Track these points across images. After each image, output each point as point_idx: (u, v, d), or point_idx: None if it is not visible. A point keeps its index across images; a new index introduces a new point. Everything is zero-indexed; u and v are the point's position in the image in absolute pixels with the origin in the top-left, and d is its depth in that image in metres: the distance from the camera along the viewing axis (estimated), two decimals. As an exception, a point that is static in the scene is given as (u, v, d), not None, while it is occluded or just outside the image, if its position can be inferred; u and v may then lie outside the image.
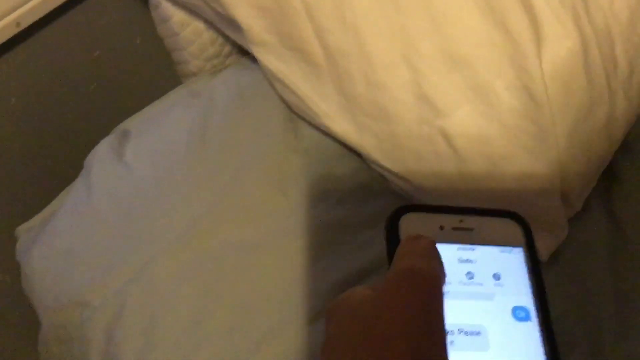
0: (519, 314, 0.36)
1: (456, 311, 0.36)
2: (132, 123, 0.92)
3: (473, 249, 0.37)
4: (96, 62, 1.05)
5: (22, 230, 0.92)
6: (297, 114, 0.81)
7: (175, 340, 0.71)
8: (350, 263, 0.73)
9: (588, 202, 0.73)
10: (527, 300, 0.37)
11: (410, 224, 0.37)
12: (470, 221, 0.38)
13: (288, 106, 0.82)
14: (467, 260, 0.37)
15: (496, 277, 0.37)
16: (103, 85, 1.05)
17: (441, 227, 0.38)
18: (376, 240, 0.74)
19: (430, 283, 0.33)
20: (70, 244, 0.82)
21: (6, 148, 0.99)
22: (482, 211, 0.39)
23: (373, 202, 0.78)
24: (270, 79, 0.79)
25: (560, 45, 0.64)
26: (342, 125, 0.73)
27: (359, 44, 0.68)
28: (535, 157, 0.66)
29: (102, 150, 0.89)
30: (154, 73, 1.10)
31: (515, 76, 0.65)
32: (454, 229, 0.38)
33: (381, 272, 0.72)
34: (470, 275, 0.37)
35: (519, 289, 0.37)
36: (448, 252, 0.37)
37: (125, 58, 1.10)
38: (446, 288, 0.36)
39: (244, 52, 0.95)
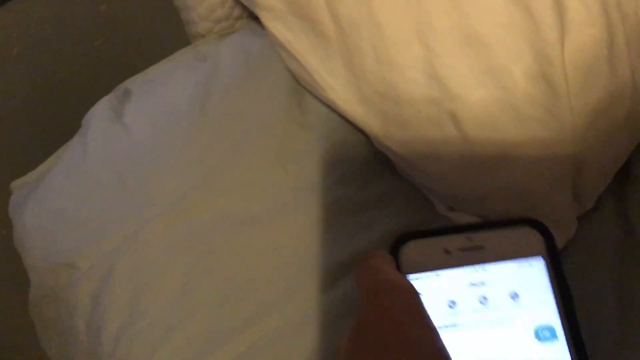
0: (543, 334, 0.33)
1: (471, 344, 0.33)
2: (135, 83, 0.89)
3: (485, 269, 0.34)
4: (103, 16, 1.02)
5: (17, 185, 0.90)
6: (303, 87, 0.78)
7: (162, 310, 0.70)
8: (349, 245, 0.71)
9: (600, 201, 0.70)
10: (552, 317, 0.33)
11: (411, 253, 0.35)
12: (479, 238, 0.35)
13: (295, 78, 0.78)
14: (480, 283, 0.34)
15: (514, 296, 0.34)
16: (109, 41, 1.02)
17: (447, 251, 0.34)
18: (377, 223, 0.71)
19: (401, 290, 0.30)
20: (62, 204, 0.80)
21: (6, 99, 0.97)
22: (491, 224, 0.35)
23: (377, 183, 0.75)
24: (277, 48, 0.75)
25: (584, 32, 0.60)
26: (347, 101, 0.70)
27: (371, 17, 0.64)
28: (548, 149, 0.63)
29: (101, 109, 0.86)
30: (162, 32, 1.07)
31: (534, 62, 0.61)
32: (462, 249, 0.34)
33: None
34: (484, 299, 0.34)
35: (541, 305, 0.33)
36: (457, 278, 0.34)
37: (133, 14, 1.06)
38: (458, 319, 0.33)
39: (254, 17, 0.92)
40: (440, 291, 0.34)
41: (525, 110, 0.62)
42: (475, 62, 0.62)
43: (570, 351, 0.32)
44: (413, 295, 0.30)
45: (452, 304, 0.34)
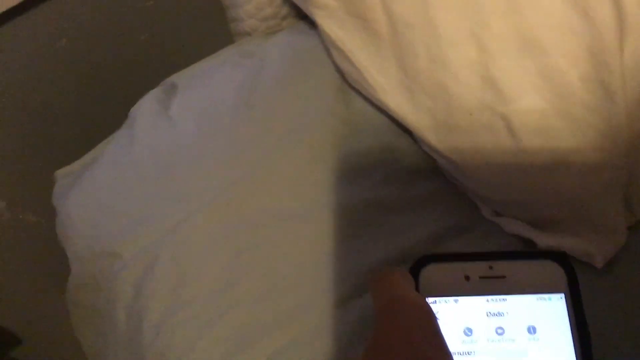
0: None
1: None
2: (181, 77, 0.90)
3: (505, 300, 0.34)
4: (149, 11, 1.03)
5: (61, 174, 0.92)
6: (350, 86, 0.78)
7: (204, 301, 0.70)
8: (389, 246, 0.70)
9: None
10: (568, 356, 0.32)
11: (431, 276, 0.34)
12: (502, 267, 0.34)
13: (342, 76, 0.78)
14: (498, 314, 0.33)
15: (531, 330, 0.33)
16: (154, 36, 1.03)
17: (467, 277, 0.34)
18: (418, 225, 0.71)
19: (419, 309, 0.30)
20: (107, 194, 0.81)
21: (53, 89, 0.98)
22: (515, 255, 0.35)
23: (420, 184, 0.74)
24: (328, 46, 0.75)
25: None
26: (397, 102, 0.70)
27: (426, 16, 0.64)
28: (602, 156, 0.62)
29: (148, 102, 0.87)
30: (207, 29, 1.08)
31: (592, 67, 0.60)
32: (482, 277, 0.34)
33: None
34: (501, 330, 0.33)
35: (558, 343, 0.33)
36: (475, 306, 0.34)
37: (179, 10, 1.07)
38: (473, 347, 0.33)
39: (301, 16, 0.92)
40: (457, 317, 0.34)
41: (581, 116, 0.61)
42: (531, 65, 0.61)
43: None
44: (430, 316, 0.30)
45: (469, 331, 0.33)
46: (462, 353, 0.33)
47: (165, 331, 0.70)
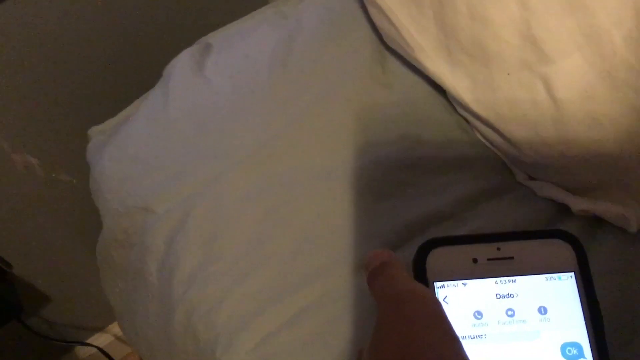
0: (569, 351, 0.32)
1: (495, 357, 0.32)
2: (216, 37, 0.90)
3: (514, 281, 0.33)
4: (185, -28, 1.04)
5: (95, 131, 0.93)
6: (387, 47, 0.78)
7: (236, 256, 0.71)
8: (425, 205, 0.70)
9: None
10: (579, 334, 0.32)
11: (438, 260, 0.34)
12: (510, 248, 0.34)
13: (379, 38, 0.78)
14: (508, 295, 0.33)
15: (542, 310, 0.33)
16: (189, -4, 1.03)
17: (474, 260, 0.34)
18: (452, 186, 0.71)
19: (423, 300, 0.30)
20: (141, 150, 0.82)
21: (88, 48, 0.99)
22: (523, 234, 0.34)
23: (455, 147, 0.74)
24: (366, 4, 0.75)
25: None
26: (435, 62, 0.69)
27: (469, -27, 0.63)
28: (641, 120, 0.61)
29: (183, 61, 0.87)
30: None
31: (636, 27, 0.59)
32: (491, 259, 0.33)
33: (451, 220, 0.69)
34: (511, 312, 0.33)
35: (569, 322, 0.33)
36: (484, 288, 0.33)
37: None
38: (483, 330, 0.32)
39: (337, -22, 0.91)
40: (467, 301, 0.33)
41: (622, 77, 0.60)
42: (574, 25, 0.60)
43: None
44: (435, 304, 0.30)
45: (479, 314, 0.33)
46: (473, 337, 0.33)
47: (196, 284, 0.71)
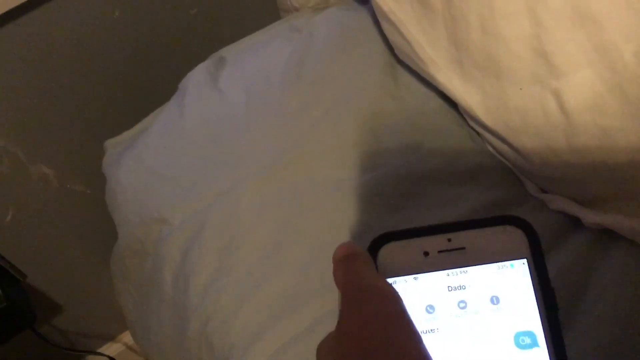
0: (523, 341, 0.32)
1: (449, 350, 0.32)
2: (230, 51, 0.92)
3: (466, 272, 0.33)
4: (200, -13, 1.05)
5: (111, 143, 0.94)
6: (398, 60, 0.79)
7: (251, 266, 0.72)
8: (431, 218, 0.71)
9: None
10: (533, 323, 0.32)
11: (390, 256, 0.33)
12: (461, 238, 0.33)
13: (391, 51, 0.79)
14: (459, 287, 0.33)
15: (494, 300, 0.32)
16: (204, 10, 1.05)
17: (426, 253, 0.33)
18: (463, 198, 0.72)
19: (385, 296, 0.30)
20: (157, 161, 0.84)
21: (105, 60, 1.01)
22: (474, 223, 0.33)
23: (465, 159, 0.75)
24: (379, 18, 0.76)
25: None
26: (447, 76, 0.70)
27: (481, -12, 0.64)
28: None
29: (198, 74, 0.89)
30: (256, 5, 1.09)
31: (647, 42, 0.60)
32: (442, 251, 0.33)
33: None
34: (463, 304, 0.32)
35: (522, 311, 0.32)
36: (435, 282, 0.33)
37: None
38: (436, 324, 0.32)
39: (349, -7, 0.93)
40: (418, 296, 0.33)
41: (633, 92, 0.61)
42: (585, 39, 0.61)
43: (551, 358, 0.31)
44: (397, 301, 0.30)
45: (431, 308, 0.33)
46: (425, 331, 0.32)
47: (211, 294, 0.72)
